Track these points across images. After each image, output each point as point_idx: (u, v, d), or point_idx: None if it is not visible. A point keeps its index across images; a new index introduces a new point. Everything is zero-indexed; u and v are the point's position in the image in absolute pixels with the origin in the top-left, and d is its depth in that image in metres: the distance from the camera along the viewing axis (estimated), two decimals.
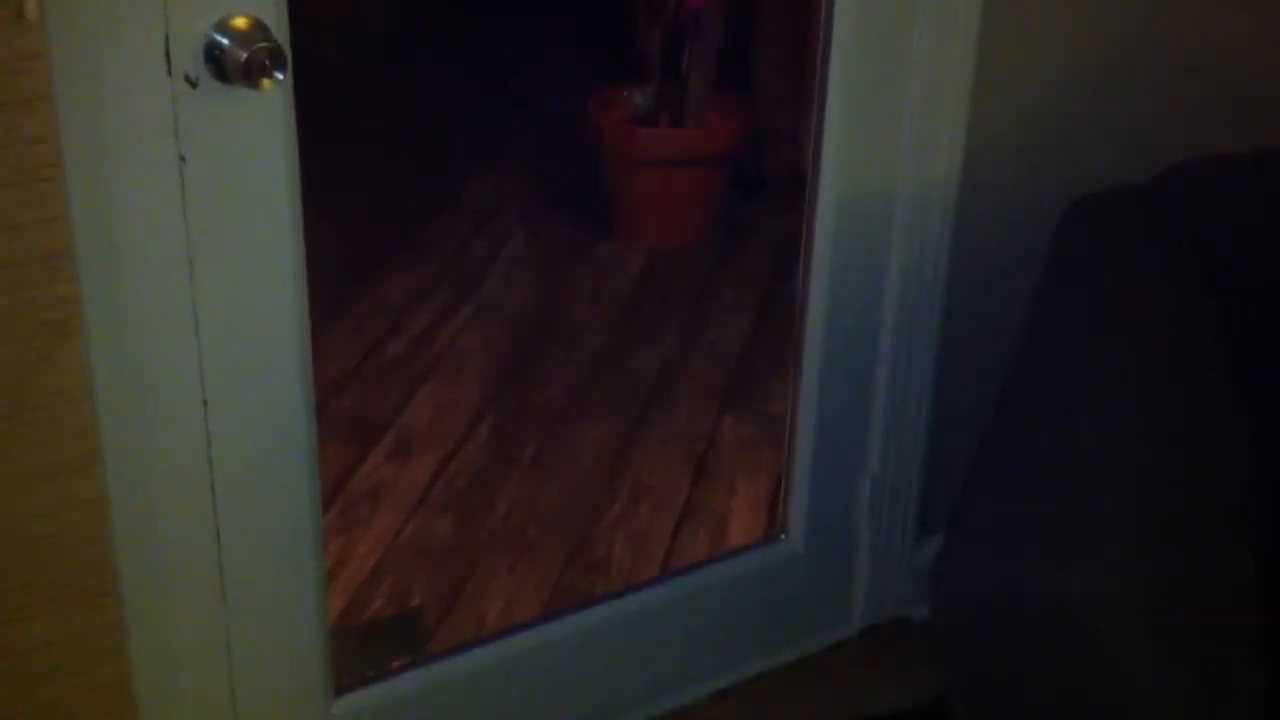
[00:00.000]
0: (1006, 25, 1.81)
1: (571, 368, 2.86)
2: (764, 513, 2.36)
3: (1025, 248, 1.62)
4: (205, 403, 1.42)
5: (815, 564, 2.01)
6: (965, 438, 1.86)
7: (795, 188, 3.45)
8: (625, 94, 3.42)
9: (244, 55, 1.25)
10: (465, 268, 3.22)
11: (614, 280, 3.22)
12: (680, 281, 3.22)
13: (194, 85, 1.27)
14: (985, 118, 1.84)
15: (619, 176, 3.39)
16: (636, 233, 3.37)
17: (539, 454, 2.56)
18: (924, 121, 1.80)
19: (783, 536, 2.00)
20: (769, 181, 3.54)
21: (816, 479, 1.95)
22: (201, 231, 1.34)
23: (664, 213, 3.37)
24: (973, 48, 1.79)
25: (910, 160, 1.82)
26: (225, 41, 1.25)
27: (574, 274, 3.24)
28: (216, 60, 1.26)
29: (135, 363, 1.35)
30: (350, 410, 2.65)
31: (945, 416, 2.02)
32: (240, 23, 1.26)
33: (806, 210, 1.86)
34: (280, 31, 1.29)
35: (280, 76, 1.26)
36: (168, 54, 1.25)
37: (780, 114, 3.50)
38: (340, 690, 1.68)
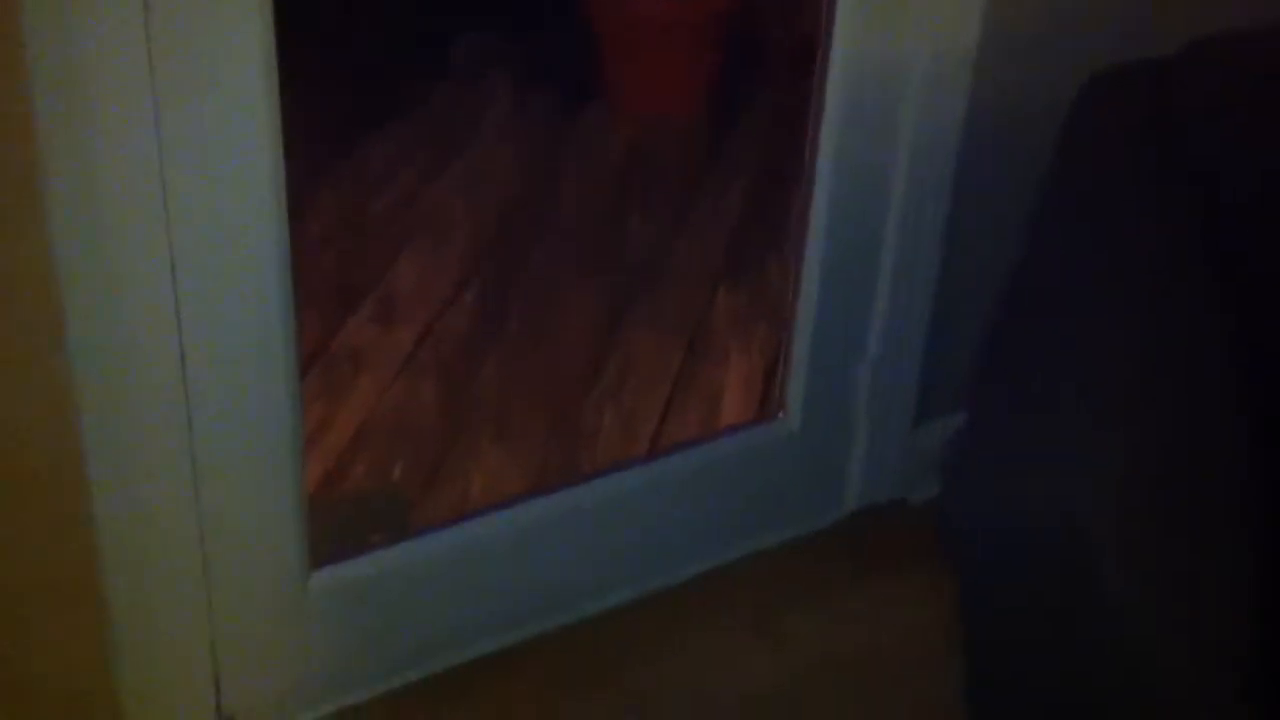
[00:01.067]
0: None
1: (559, 237, 2.77)
2: (758, 389, 2.29)
3: (1042, 131, 1.53)
4: (173, 266, 1.34)
5: (811, 444, 1.95)
6: (967, 323, 1.82)
7: (797, 60, 3.39)
8: None
9: None
10: (449, 131, 3.11)
11: (603, 150, 3.12)
12: (673, 153, 3.12)
13: None
14: None
15: (608, 39, 3.27)
16: (628, 100, 3.26)
17: (525, 324, 2.49)
18: None
19: (780, 415, 1.94)
20: (770, 53, 3.42)
21: (815, 359, 1.89)
22: (167, 78, 1.25)
23: (656, 80, 3.26)
24: None
25: (926, 27, 1.72)
26: None
27: (562, 141, 3.13)
28: None
29: (99, 219, 1.27)
30: (330, 272, 2.57)
31: (948, 300, 1.95)
32: None
33: (816, 78, 1.76)
34: None
35: None
36: None
37: None
38: (318, 563, 1.63)
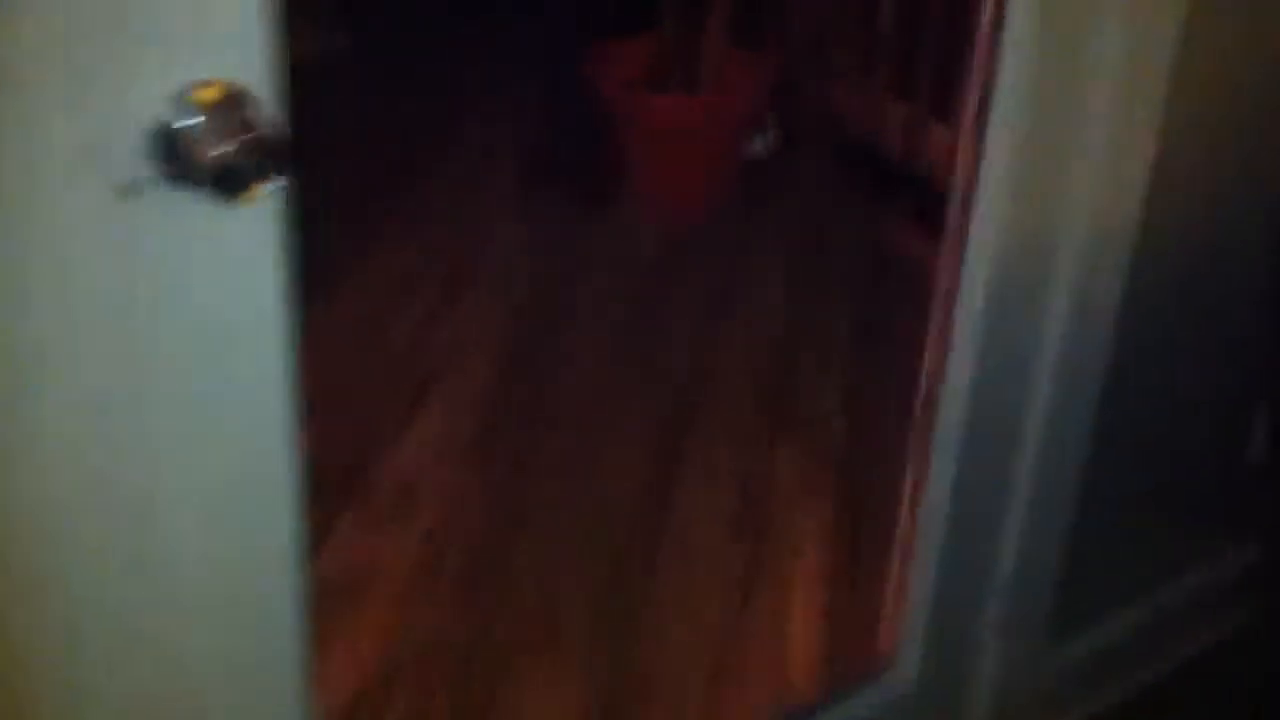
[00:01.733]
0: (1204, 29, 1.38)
1: (587, 380, 2.42)
2: (843, 589, 1.95)
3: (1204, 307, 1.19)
4: None
5: (929, 696, 1.60)
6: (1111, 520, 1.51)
7: (825, 144, 3.04)
8: (629, 51, 2.96)
9: (218, 148, 0.79)
10: (454, 253, 2.76)
11: (624, 265, 2.77)
12: (700, 263, 2.77)
13: (133, 195, 0.81)
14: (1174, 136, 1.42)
15: (625, 146, 2.93)
16: (647, 207, 2.92)
17: (556, 503, 2.14)
18: (1107, 151, 1.37)
19: (890, 668, 1.59)
20: (796, 138, 3.09)
21: (938, 600, 1.54)
22: None
23: (678, 185, 2.92)
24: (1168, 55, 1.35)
25: (1085, 203, 1.39)
26: (189, 126, 0.80)
27: (578, 260, 2.79)
28: (172, 154, 0.80)
29: None
30: (319, 454, 2.21)
31: (1091, 502, 1.61)
32: (211, 95, 0.80)
33: (945, 265, 1.42)
34: (274, 106, 0.83)
35: (275, 183, 0.81)
36: (95, 146, 0.79)
37: (809, 61, 3.05)
38: None
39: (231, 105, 0.79)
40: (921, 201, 2.94)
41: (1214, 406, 1.74)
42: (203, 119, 0.79)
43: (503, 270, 2.72)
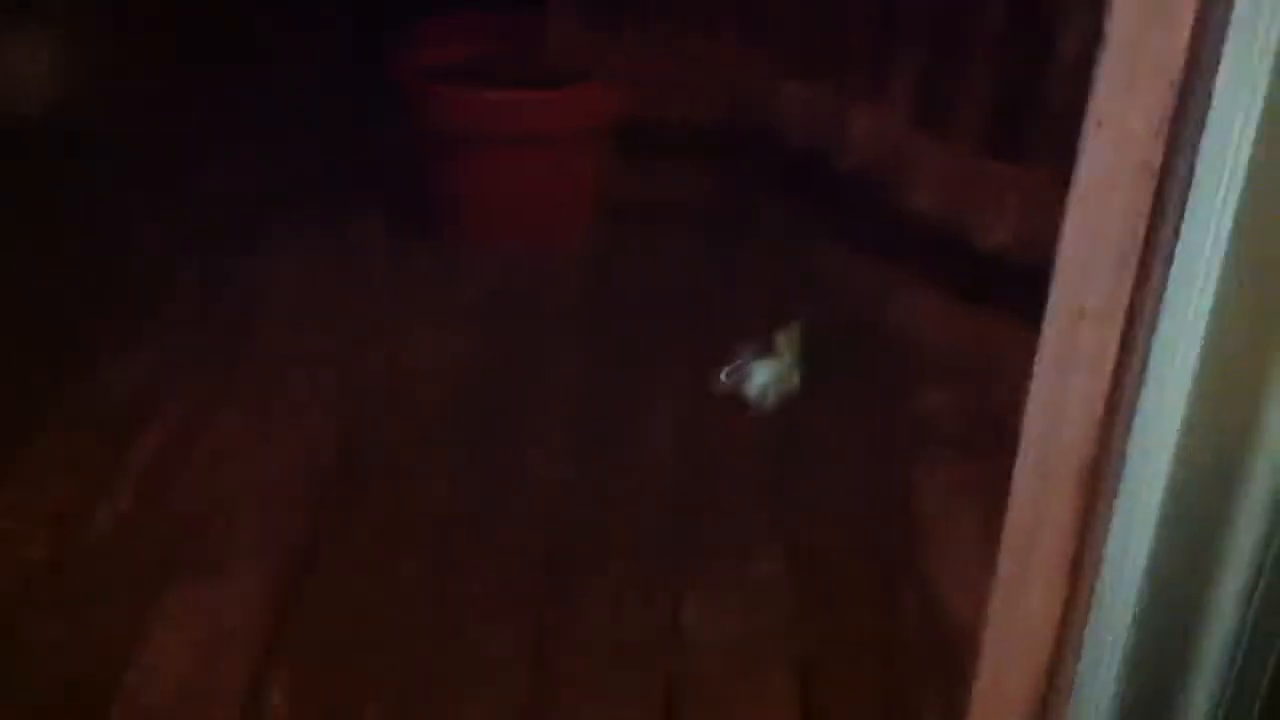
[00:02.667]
0: None
1: (422, 515, 1.70)
2: None
3: None
4: None
5: None
6: None
7: (703, 145, 2.35)
8: (445, 32, 2.23)
9: None
10: (215, 344, 2.00)
11: (456, 321, 2.04)
12: (554, 318, 2.06)
13: None
14: None
15: (441, 161, 2.20)
16: (477, 237, 2.20)
17: None
18: None
19: None
20: (670, 140, 2.40)
21: None
22: None
23: (519, 209, 2.20)
24: None
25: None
26: None
27: (402, 296, 2.05)
28: None
29: None
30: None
31: None
32: None
33: (1105, 488, 0.75)
34: None
35: None
36: None
37: (682, 39, 2.36)
38: None
39: None
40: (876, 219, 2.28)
41: None
42: None
43: (287, 359, 1.97)
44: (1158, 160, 0.76)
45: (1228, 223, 0.74)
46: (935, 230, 2.15)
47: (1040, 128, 2.03)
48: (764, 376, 1.91)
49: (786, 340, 1.95)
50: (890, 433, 1.85)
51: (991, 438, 1.85)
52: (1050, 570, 0.89)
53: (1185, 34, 0.73)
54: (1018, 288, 2.10)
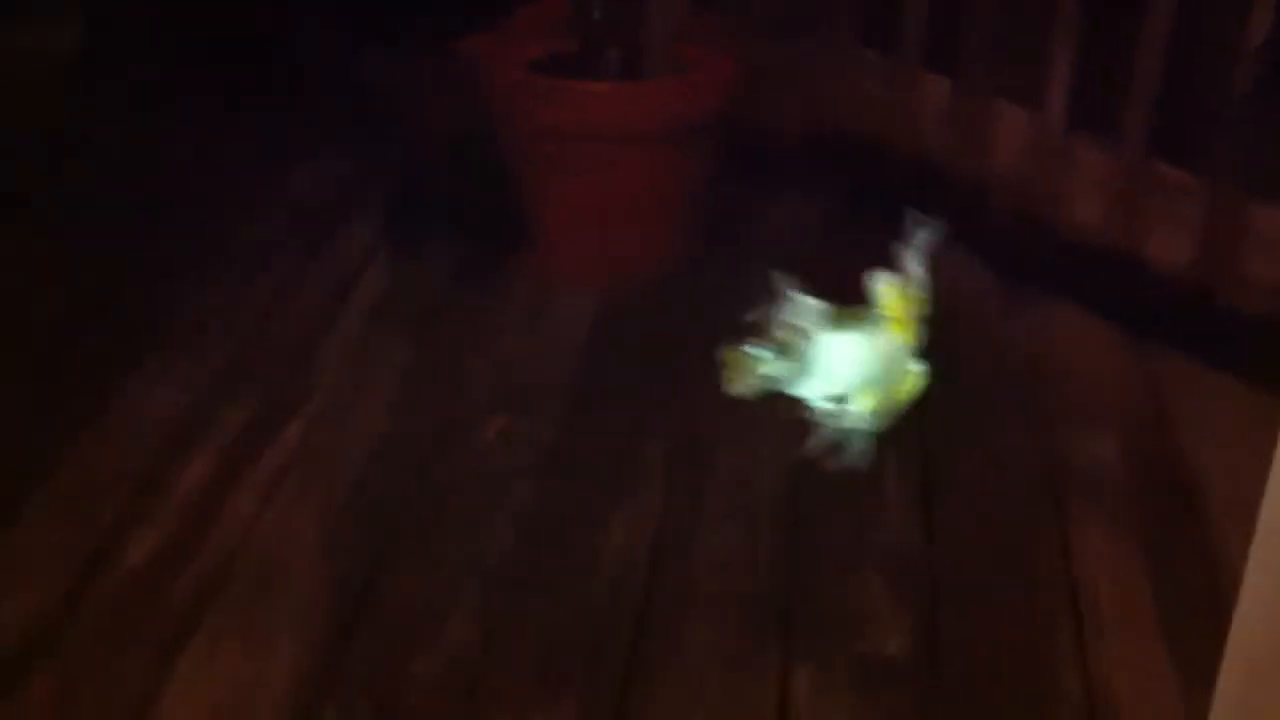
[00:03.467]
0: None
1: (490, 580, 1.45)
2: None
3: None
4: None
5: None
6: None
7: (820, 157, 2.11)
8: (533, 22, 1.99)
9: None
10: (273, 359, 1.78)
11: (537, 360, 1.79)
12: (655, 351, 1.79)
13: None
14: None
15: (531, 164, 1.95)
16: (567, 259, 1.96)
17: None
18: None
19: None
20: (778, 149, 2.15)
21: None
22: None
23: (613, 222, 1.95)
24: None
25: None
26: None
27: (470, 354, 1.81)
28: None
29: None
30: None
31: None
32: None
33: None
34: None
35: None
36: None
37: (795, 38, 2.11)
38: None
39: None
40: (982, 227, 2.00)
41: None
42: None
43: (338, 410, 1.74)
44: None
45: None
46: (1098, 249, 1.86)
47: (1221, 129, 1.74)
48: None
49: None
50: (1044, 486, 1.56)
51: (1166, 495, 1.55)
52: None
53: None
54: (1195, 318, 1.82)
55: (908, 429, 1.59)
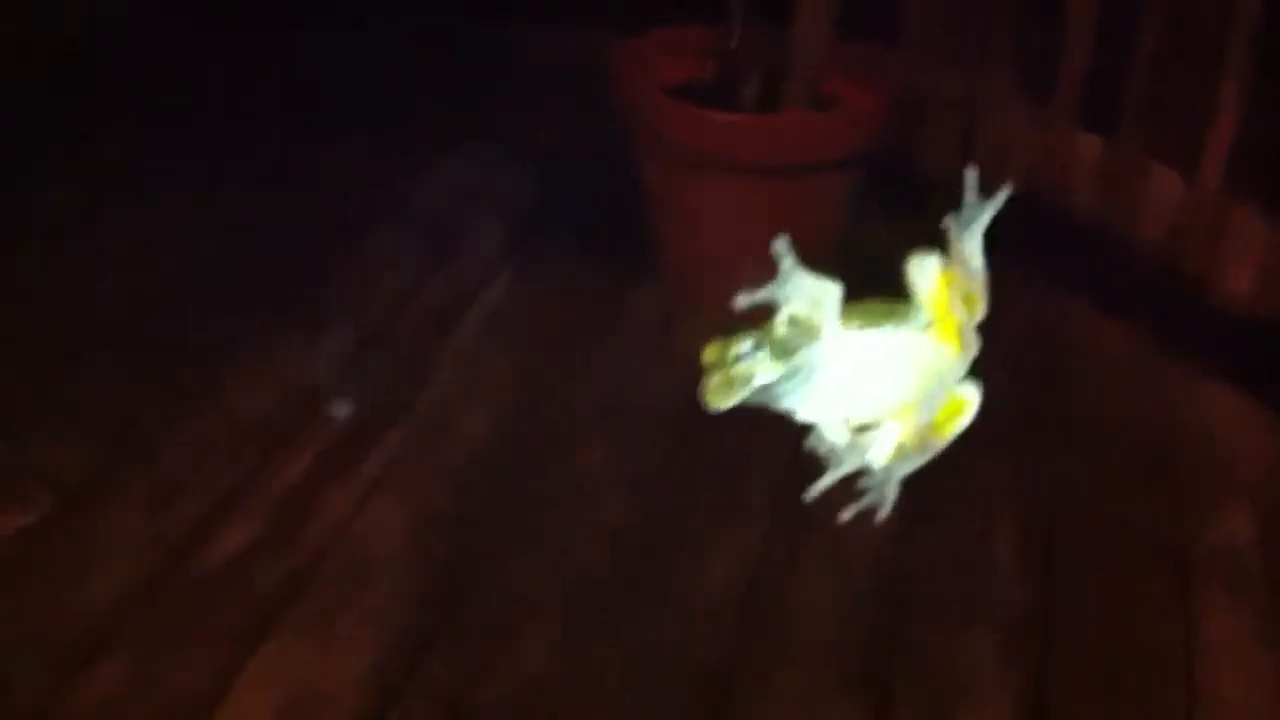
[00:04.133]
0: None
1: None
2: None
3: None
4: None
5: None
6: None
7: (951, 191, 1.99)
8: (677, 44, 1.96)
9: None
10: (385, 363, 1.76)
11: (649, 389, 1.74)
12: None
13: None
14: None
15: (667, 187, 1.91)
16: (696, 286, 1.90)
17: None
18: None
19: None
20: (923, 183, 2.08)
21: None
22: None
23: (741, 255, 1.89)
24: None
25: None
26: None
27: (584, 377, 1.77)
28: None
29: None
30: None
31: None
32: None
33: None
34: None
35: None
36: None
37: (946, 71, 2.05)
38: None
39: None
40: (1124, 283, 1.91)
41: None
42: None
43: (443, 426, 1.71)
44: None
45: None
46: (1244, 317, 1.77)
47: None
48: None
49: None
50: (1173, 564, 1.46)
51: None
52: None
53: None
54: None
55: (1027, 486, 1.51)
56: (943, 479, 1.38)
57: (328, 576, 1.38)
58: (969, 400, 1.21)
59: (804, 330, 1.13)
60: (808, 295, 1.15)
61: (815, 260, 1.89)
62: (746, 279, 1.29)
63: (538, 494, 1.52)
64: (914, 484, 1.36)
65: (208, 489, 1.48)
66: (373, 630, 1.31)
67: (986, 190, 1.19)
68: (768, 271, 1.82)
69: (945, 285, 1.18)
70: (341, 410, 1.45)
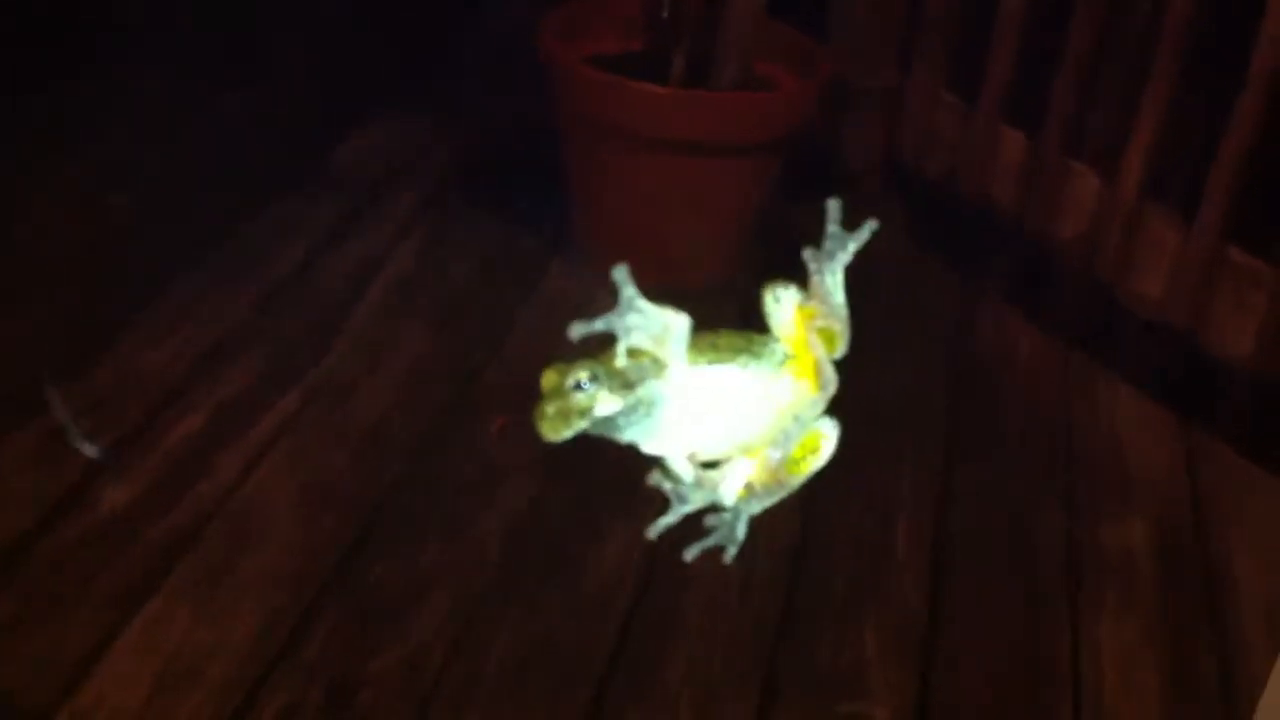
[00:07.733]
0: None
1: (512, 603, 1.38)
2: None
3: None
4: None
5: None
6: None
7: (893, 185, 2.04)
8: (604, 15, 1.93)
9: None
10: (285, 328, 1.72)
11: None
12: None
13: None
14: None
15: (590, 163, 1.89)
16: (607, 262, 1.88)
17: None
18: None
19: None
20: (847, 173, 2.08)
21: None
22: None
23: (657, 230, 1.88)
24: None
25: None
26: None
27: (494, 349, 1.74)
28: None
29: None
30: None
31: None
32: None
33: None
34: None
35: None
36: None
37: (873, 61, 2.04)
38: None
39: None
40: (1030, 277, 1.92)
41: None
42: None
43: (353, 385, 1.68)
44: None
45: None
46: (1153, 321, 1.78)
47: None
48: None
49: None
50: (1067, 566, 1.47)
51: (1190, 588, 1.46)
52: None
53: None
54: (1254, 410, 1.73)
55: (927, 486, 1.51)
56: (842, 474, 1.38)
57: (213, 542, 1.35)
58: (827, 437, 1.21)
59: (646, 363, 1.10)
60: (651, 327, 1.11)
61: (731, 242, 1.89)
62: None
63: (436, 469, 1.49)
64: (813, 479, 1.36)
65: (94, 444, 1.44)
66: (255, 600, 1.29)
67: (850, 224, 1.17)
68: (683, 254, 1.81)
69: (802, 320, 1.17)
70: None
